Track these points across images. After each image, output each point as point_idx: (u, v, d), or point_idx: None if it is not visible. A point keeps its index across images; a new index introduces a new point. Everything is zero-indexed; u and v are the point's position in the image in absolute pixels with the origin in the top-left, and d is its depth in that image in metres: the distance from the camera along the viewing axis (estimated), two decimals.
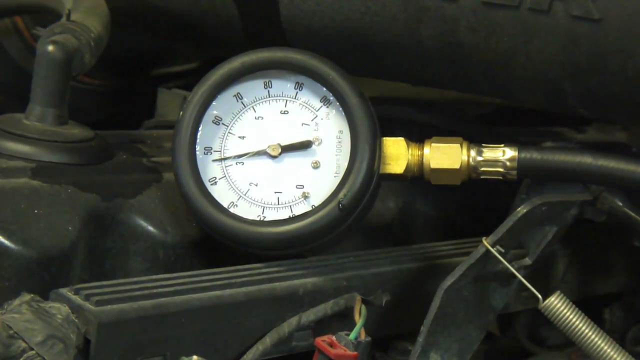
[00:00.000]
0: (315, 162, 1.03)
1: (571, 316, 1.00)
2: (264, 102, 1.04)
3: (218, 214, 1.00)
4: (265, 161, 1.03)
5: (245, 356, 0.93)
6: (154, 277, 0.95)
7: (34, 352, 0.83)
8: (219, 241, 1.03)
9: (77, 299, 0.87)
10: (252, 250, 1.02)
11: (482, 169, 1.04)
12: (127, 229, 1.03)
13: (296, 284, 0.98)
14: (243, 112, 1.04)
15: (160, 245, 1.04)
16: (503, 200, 1.14)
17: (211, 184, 1.02)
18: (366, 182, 1.01)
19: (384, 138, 1.04)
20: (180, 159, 1.01)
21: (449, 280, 0.99)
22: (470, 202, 1.30)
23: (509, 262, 1.02)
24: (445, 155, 1.04)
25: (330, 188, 1.01)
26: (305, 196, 1.02)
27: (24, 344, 0.83)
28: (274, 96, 1.04)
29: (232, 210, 1.01)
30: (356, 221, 1.03)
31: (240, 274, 0.97)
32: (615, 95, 1.02)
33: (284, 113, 1.04)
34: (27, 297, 0.86)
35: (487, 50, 1.06)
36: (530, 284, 1.01)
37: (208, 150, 1.03)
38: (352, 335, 0.93)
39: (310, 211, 1.01)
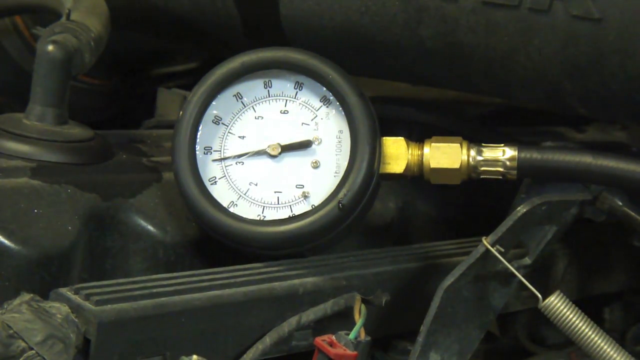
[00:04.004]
0: (315, 162, 1.03)
1: (571, 315, 1.00)
2: (264, 102, 1.04)
3: (218, 213, 1.00)
4: (265, 161, 1.03)
5: (245, 356, 0.93)
6: (154, 276, 0.95)
7: (33, 351, 0.83)
8: (219, 241, 1.03)
9: (77, 298, 0.87)
10: (252, 250, 1.02)
11: (482, 168, 1.04)
12: (127, 228, 1.03)
13: (296, 284, 0.98)
14: (243, 112, 1.04)
15: (160, 245, 1.04)
16: (503, 199, 1.14)
17: (211, 184, 1.02)
18: (366, 181, 1.01)
19: (384, 138, 1.04)
20: (180, 158, 1.01)
21: (448, 280, 0.99)
22: (470, 202, 1.30)
23: (509, 262, 1.02)
24: (445, 155, 1.04)
25: (330, 188, 1.01)
26: (305, 196, 1.02)
27: (23, 344, 0.83)
28: (274, 96, 1.04)
29: (231, 209, 1.01)
30: (356, 221, 1.03)
31: (239, 273, 0.98)
32: (614, 95, 1.02)
33: (284, 113, 1.04)
34: (27, 296, 0.86)
35: (487, 49, 1.06)
36: (530, 283, 1.01)
37: (208, 150, 1.03)
38: (352, 335, 0.93)
39: (310, 211, 1.01)
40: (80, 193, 1.01)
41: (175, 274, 0.96)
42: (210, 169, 1.03)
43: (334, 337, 0.93)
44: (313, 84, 1.04)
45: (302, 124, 1.04)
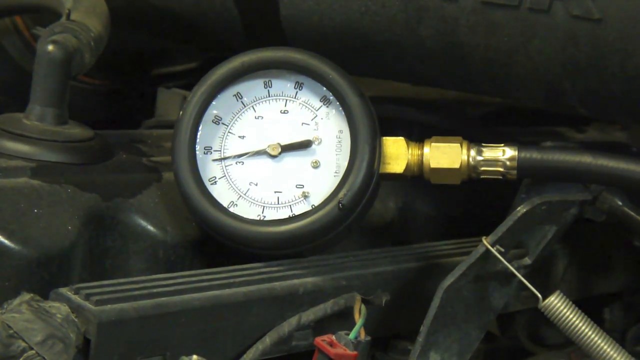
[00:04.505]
0: (315, 162, 1.03)
1: (571, 316, 1.00)
2: (264, 102, 1.04)
3: (218, 213, 1.00)
4: (265, 161, 1.03)
5: (245, 356, 0.93)
6: (154, 276, 0.95)
7: (33, 351, 0.83)
8: (218, 241, 1.03)
9: (77, 298, 0.87)
10: (252, 250, 1.02)
11: (482, 168, 1.04)
12: (127, 228, 1.03)
13: (296, 284, 0.98)
14: (243, 112, 1.04)
15: (160, 245, 1.04)
16: (503, 199, 1.14)
17: (211, 184, 1.02)
18: (366, 181, 1.01)
19: (384, 138, 1.04)
20: (180, 158, 1.01)
21: (448, 280, 0.99)
22: (470, 202, 1.30)
23: (509, 262, 1.02)
24: (445, 155, 1.04)
25: (330, 188, 1.01)
26: (305, 196, 1.02)
27: (23, 344, 0.83)
28: (274, 96, 1.04)
29: (232, 209, 1.01)
30: (356, 221, 1.03)
31: (239, 273, 0.98)
32: (614, 95, 1.02)
33: (284, 113, 1.04)
34: (27, 296, 0.86)
35: (487, 49, 1.06)
36: (530, 283, 1.01)
37: (208, 149, 1.03)
38: (352, 335, 0.93)
39: (310, 211, 1.01)
40: (80, 193, 1.01)
41: (175, 274, 0.96)
42: (210, 169, 1.03)
43: (334, 337, 0.93)
44: (313, 84, 1.04)
45: (302, 123, 1.04)
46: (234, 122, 1.04)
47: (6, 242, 0.94)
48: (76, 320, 0.85)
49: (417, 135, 1.07)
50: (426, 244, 1.16)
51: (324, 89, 1.03)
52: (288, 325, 0.95)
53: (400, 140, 1.05)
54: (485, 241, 1.00)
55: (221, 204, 1.01)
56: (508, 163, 1.03)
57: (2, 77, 1.49)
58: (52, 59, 1.06)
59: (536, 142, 1.15)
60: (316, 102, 1.04)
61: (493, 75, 1.08)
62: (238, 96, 1.04)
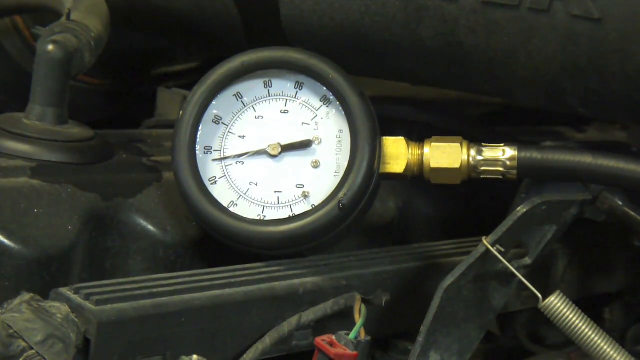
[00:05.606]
0: (315, 162, 1.03)
1: (571, 315, 1.00)
2: (264, 102, 1.04)
3: (218, 213, 1.00)
4: (265, 160, 1.03)
5: (245, 356, 0.93)
6: (154, 276, 0.95)
7: (33, 351, 0.83)
8: (219, 241, 1.03)
9: (77, 298, 0.87)
10: (252, 250, 1.02)
11: (482, 168, 1.04)
12: (127, 228, 1.03)
13: (296, 284, 0.98)
14: (243, 112, 1.04)
15: (160, 245, 1.04)
16: (503, 199, 1.14)
17: (211, 184, 1.02)
18: (366, 181, 1.01)
19: (384, 137, 1.04)
20: (180, 158, 1.01)
21: (448, 280, 0.99)
22: (470, 202, 1.30)
23: (509, 262, 1.02)
24: (445, 155, 1.04)
25: (330, 187, 1.01)
26: (305, 195, 1.02)
27: (23, 344, 0.83)
28: (274, 95, 1.04)
29: (232, 209, 1.01)
30: (356, 221, 1.03)
31: (239, 273, 0.98)
32: (615, 95, 1.02)
33: (284, 112, 1.04)
34: (27, 296, 0.86)
35: (487, 50, 1.06)
36: (530, 283, 1.01)
37: (208, 149, 1.03)
38: (352, 335, 0.93)
39: (310, 210, 1.01)
40: (80, 193, 1.01)
41: (175, 274, 0.96)
42: (210, 169, 1.03)
43: (334, 337, 0.93)
44: (313, 84, 1.04)
45: (302, 123, 1.04)
46: (234, 122, 1.04)
47: (6, 242, 0.94)
48: (76, 320, 0.85)
49: (417, 135, 1.07)
50: (426, 244, 1.16)
51: (324, 88, 1.03)
52: (288, 325, 0.95)
53: (400, 140, 1.05)
54: (485, 241, 1.00)
55: (221, 203, 1.01)
56: (508, 163, 1.04)
57: (2, 77, 1.49)
58: (52, 59, 1.06)
59: (536, 142, 1.15)
60: (316, 102, 1.04)
61: (493, 75, 1.08)
62: (238, 96, 1.04)
